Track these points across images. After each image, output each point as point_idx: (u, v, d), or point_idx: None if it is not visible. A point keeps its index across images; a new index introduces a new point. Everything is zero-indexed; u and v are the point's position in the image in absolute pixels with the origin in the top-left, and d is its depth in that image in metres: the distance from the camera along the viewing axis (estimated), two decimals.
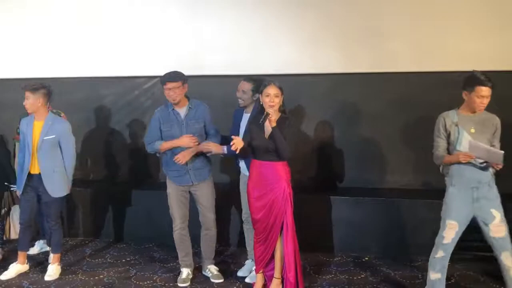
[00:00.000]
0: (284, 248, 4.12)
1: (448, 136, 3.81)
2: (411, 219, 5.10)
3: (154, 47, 5.97)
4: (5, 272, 4.89)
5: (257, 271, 4.37)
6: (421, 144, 5.36)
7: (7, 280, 4.79)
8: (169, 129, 4.53)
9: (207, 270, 4.84)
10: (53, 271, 4.88)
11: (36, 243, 5.56)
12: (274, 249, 4.19)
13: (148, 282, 4.73)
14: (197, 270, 4.89)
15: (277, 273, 4.22)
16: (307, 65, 5.44)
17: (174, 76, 4.45)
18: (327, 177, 5.74)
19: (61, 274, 4.90)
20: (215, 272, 4.79)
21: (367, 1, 5.45)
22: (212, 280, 4.73)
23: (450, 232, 3.80)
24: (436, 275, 3.92)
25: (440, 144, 3.85)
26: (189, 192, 4.68)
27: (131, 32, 6.06)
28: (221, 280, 4.71)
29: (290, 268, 4.10)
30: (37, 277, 4.87)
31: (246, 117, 4.50)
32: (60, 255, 5.02)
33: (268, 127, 4.02)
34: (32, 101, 4.69)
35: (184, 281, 4.69)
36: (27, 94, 4.69)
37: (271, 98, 4.00)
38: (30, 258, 5.22)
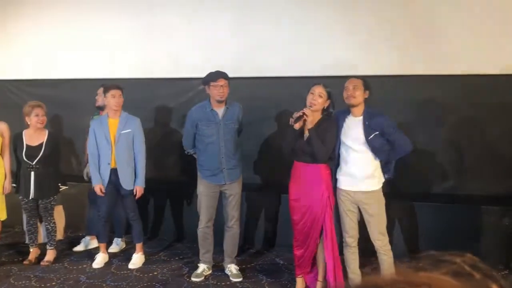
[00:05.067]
0: (325, 252, 4.03)
1: None
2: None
3: (209, 49, 5.99)
4: (96, 261, 5.13)
5: (296, 275, 4.33)
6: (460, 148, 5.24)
7: (65, 274, 4.95)
8: (206, 128, 4.58)
9: (227, 269, 4.87)
10: (136, 260, 5.14)
11: (82, 240, 5.69)
12: (314, 253, 4.12)
13: (200, 279, 4.78)
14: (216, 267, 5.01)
15: (320, 276, 4.18)
16: (360, 67, 5.35)
17: (225, 74, 4.54)
18: None
19: (114, 269, 5.05)
20: (234, 272, 4.80)
21: (421, 2, 5.35)
22: (232, 279, 4.76)
23: None
24: None
25: None
26: (220, 191, 4.73)
27: (188, 35, 6.12)
28: (240, 279, 4.74)
29: (330, 271, 4.02)
30: (94, 272, 5.01)
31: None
32: (142, 244, 5.25)
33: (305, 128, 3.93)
34: (121, 99, 4.97)
35: (197, 276, 4.79)
36: (119, 92, 4.94)
37: (314, 97, 3.93)
38: (79, 255, 5.45)
